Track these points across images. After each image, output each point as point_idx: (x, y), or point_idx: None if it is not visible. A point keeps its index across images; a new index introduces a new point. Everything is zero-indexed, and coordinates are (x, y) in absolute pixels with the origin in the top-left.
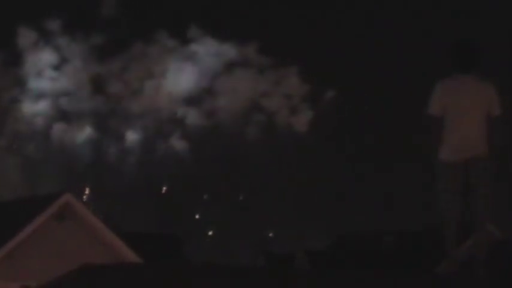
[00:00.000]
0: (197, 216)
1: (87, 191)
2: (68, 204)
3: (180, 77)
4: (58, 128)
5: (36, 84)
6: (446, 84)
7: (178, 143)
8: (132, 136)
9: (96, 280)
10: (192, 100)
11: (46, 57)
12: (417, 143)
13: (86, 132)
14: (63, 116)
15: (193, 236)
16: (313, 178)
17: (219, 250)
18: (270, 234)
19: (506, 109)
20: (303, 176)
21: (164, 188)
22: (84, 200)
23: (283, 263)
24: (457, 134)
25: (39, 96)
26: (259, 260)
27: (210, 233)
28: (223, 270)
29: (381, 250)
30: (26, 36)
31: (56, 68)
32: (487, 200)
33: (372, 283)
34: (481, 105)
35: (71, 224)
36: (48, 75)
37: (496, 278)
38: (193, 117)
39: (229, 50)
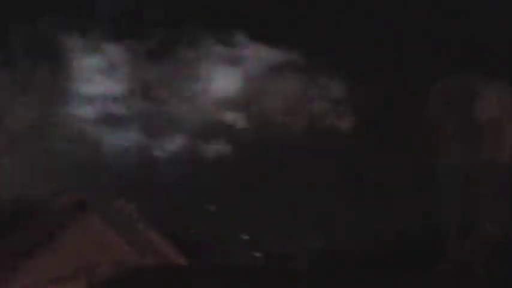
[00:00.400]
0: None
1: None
2: (119, 207)
3: (226, 81)
4: (105, 131)
5: (85, 89)
6: None
7: (223, 146)
8: (177, 140)
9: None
10: (236, 104)
11: (95, 62)
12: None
13: (131, 136)
14: (107, 121)
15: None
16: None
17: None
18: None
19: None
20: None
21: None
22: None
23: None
24: None
25: (88, 100)
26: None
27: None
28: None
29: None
30: (75, 43)
31: (104, 73)
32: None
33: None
34: None
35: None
36: (97, 80)
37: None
38: (237, 121)
39: (276, 55)
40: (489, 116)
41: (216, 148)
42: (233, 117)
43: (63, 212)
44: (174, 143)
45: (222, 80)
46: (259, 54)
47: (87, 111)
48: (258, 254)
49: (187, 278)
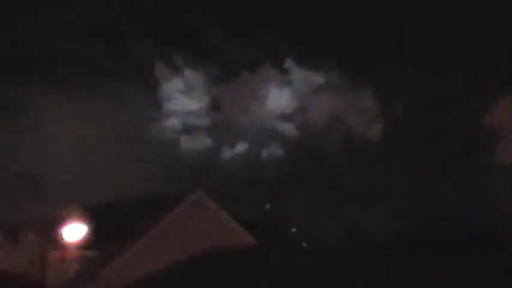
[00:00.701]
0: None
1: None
2: (200, 198)
3: (279, 99)
4: (184, 141)
5: (168, 106)
6: None
7: (277, 150)
8: (241, 145)
9: (222, 259)
10: (287, 117)
11: (175, 84)
12: None
13: (205, 144)
14: (188, 131)
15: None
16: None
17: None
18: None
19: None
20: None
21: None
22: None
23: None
24: None
25: (170, 115)
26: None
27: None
28: (320, 253)
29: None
30: (160, 69)
31: (183, 92)
32: None
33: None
34: None
35: (202, 216)
36: (177, 98)
37: None
38: (288, 130)
39: (317, 77)
40: None
41: (270, 151)
42: (284, 127)
43: (192, 203)
44: (238, 147)
45: (276, 97)
46: (304, 77)
47: (173, 123)
48: (304, 244)
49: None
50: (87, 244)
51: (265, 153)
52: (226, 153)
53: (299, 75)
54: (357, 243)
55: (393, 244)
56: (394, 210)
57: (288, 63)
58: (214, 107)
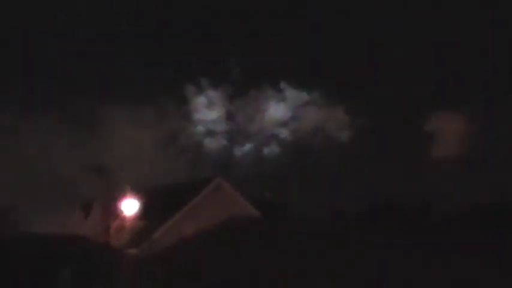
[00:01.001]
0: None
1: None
2: (220, 183)
3: (276, 111)
4: (207, 142)
5: (196, 116)
6: None
7: (275, 149)
8: (248, 145)
9: (234, 228)
10: (283, 123)
11: (201, 100)
12: None
13: (222, 144)
14: (210, 134)
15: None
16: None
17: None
18: None
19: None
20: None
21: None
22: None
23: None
24: None
25: (197, 123)
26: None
27: None
28: (311, 223)
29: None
30: (189, 89)
31: (206, 106)
32: None
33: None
34: None
35: (221, 196)
36: (202, 111)
37: None
38: (283, 134)
39: (304, 95)
40: None
41: (270, 150)
42: (281, 132)
43: (213, 187)
44: (246, 147)
45: (274, 110)
46: (293, 95)
47: (198, 130)
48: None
49: (267, 228)
50: (140, 216)
51: (266, 151)
52: (238, 151)
53: (291, 93)
54: (333, 214)
55: (360, 216)
56: (363, 192)
57: (283, 84)
58: (229, 117)
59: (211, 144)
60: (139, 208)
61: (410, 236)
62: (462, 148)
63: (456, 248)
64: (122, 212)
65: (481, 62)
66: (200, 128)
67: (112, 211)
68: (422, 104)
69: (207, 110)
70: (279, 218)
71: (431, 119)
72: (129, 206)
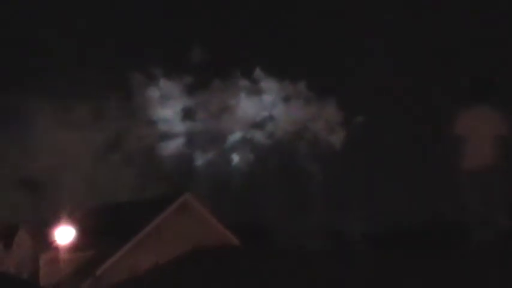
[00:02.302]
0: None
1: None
2: (187, 201)
3: (249, 107)
4: (161, 147)
5: (145, 115)
6: None
7: (247, 157)
8: (213, 152)
9: (205, 259)
10: (257, 124)
11: (151, 93)
12: None
13: (180, 150)
14: (164, 137)
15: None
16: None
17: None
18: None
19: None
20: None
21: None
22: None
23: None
24: None
25: (148, 123)
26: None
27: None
28: (302, 253)
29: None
30: (136, 79)
31: (158, 101)
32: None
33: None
34: None
35: (189, 216)
36: (153, 107)
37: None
38: (258, 137)
39: (285, 87)
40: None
41: (240, 157)
42: (254, 135)
43: (179, 205)
44: (210, 153)
45: (246, 106)
46: (271, 87)
47: (146, 131)
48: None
49: (273, 260)
50: (79, 245)
51: (235, 159)
52: (199, 159)
53: (268, 84)
54: (326, 242)
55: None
56: (359, 211)
57: (258, 73)
58: (189, 115)
59: (166, 149)
60: (78, 235)
61: (439, 270)
62: (498, 155)
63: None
64: (55, 240)
65: None
66: (151, 130)
67: (42, 239)
68: (446, 97)
69: (160, 107)
70: (263, 246)
71: (459, 119)
72: (65, 232)
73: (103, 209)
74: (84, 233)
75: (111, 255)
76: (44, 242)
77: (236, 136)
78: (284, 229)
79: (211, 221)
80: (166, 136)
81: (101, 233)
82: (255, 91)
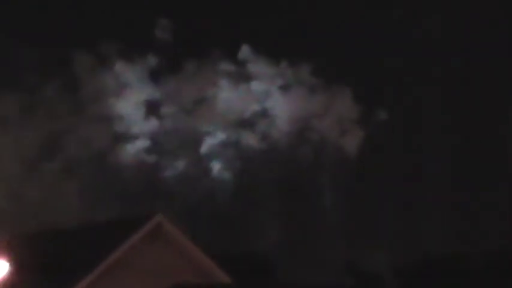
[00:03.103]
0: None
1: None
2: (160, 224)
3: (234, 99)
4: (114, 151)
5: (93, 108)
6: None
7: (231, 165)
8: (185, 160)
9: None
10: (245, 122)
11: (103, 81)
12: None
13: (141, 153)
14: (121, 140)
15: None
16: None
17: (307, 269)
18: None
19: None
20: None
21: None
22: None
23: (372, 282)
24: None
25: (97, 120)
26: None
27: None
28: None
29: (468, 271)
30: (83, 62)
31: (113, 92)
32: None
33: None
34: None
35: (163, 243)
36: (105, 99)
37: None
38: (246, 139)
39: (283, 71)
40: None
41: (222, 166)
42: (240, 136)
43: (150, 231)
44: (181, 162)
45: (229, 97)
46: (263, 71)
47: (96, 131)
48: None
49: None
50: (16, 283)
51: (216, 168)
52: (168, 170)
53: (259, 68)
54: (342, 278)
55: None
56: (383, 239)
57: (245, 52)
58: (153, 110)
59: (123, 156)
60: (12, 269)
61: None
62: None
63: None
64: None
65: None
66: (103, 130)
67: None
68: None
69: (115, 99)
70: (260, 284)
71: None
72: None
73: (46, 236)
74: (22, 268)
75: None
76: None
77: (217, 138)
78: (286, 261)
79: (192, 251)
80: (124, 138)
81: (44, 267)
82: (242, 77)
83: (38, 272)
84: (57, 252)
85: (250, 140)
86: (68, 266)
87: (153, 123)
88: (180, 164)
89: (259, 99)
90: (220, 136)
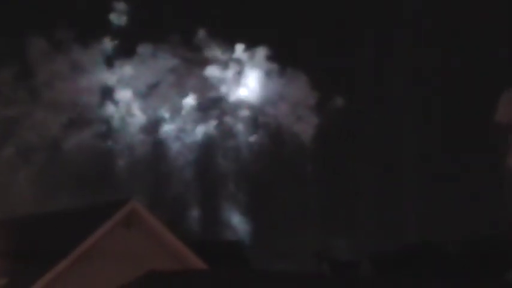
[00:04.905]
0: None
1: None
2: (135, 210)
3: (188, 85)
4: (69, 138)
5: (48, 94)
6: None
7: (188, 151)
8: (141, 144)
9: (162, 286)
10: (200, 107)
11: (58, 66)
12: None
13: (95, 141)
14: (74, 124)
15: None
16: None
17: (281, 257)
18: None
19: None
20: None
21: None
22: None
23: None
24: None
25: (52, 106)
26: (323, 266)
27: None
28: (286, 277)
29: (448, 258)
30: (37, 47)
31: (68, 77)
32: None
33: None
34: None
35: (137, 230)
36: (60, 85)
37: None
38: (202, 125)
39: (240, 56)
40: None
41: (180, 152)
42: (196, 121)
43: (124, 217)
44: (138, 147)
45: (186, 82)
46: (218, 54)
47: (50, 117)
48: None
49: (249, 284)
50: None
51: (172, 155)
52: (123, 156)
53: (214, 52)
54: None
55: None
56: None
57: (202, 36)
58: (106, 94)
59: (77, 143)
60: None
61: None
62: None
63: None
64: None
65: None
66: (56, 116)
67: None
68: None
69: (69, 83)
70: (238, 270)
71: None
72: None
73: (13, 224)
74: None
75: (30, 285)
76: None
77: (173, 123)
78: (255, 247)
79: (168, 238)
80: (78, 124)
81: (15, 255)
82: (197, 62)
83: (12, 259)
84: (31, 239)
85: (206, 125)
86: (41, 253)
87: (107, 109)
88: (136, 150)
89: (214, 85)
90: (177, 121)
